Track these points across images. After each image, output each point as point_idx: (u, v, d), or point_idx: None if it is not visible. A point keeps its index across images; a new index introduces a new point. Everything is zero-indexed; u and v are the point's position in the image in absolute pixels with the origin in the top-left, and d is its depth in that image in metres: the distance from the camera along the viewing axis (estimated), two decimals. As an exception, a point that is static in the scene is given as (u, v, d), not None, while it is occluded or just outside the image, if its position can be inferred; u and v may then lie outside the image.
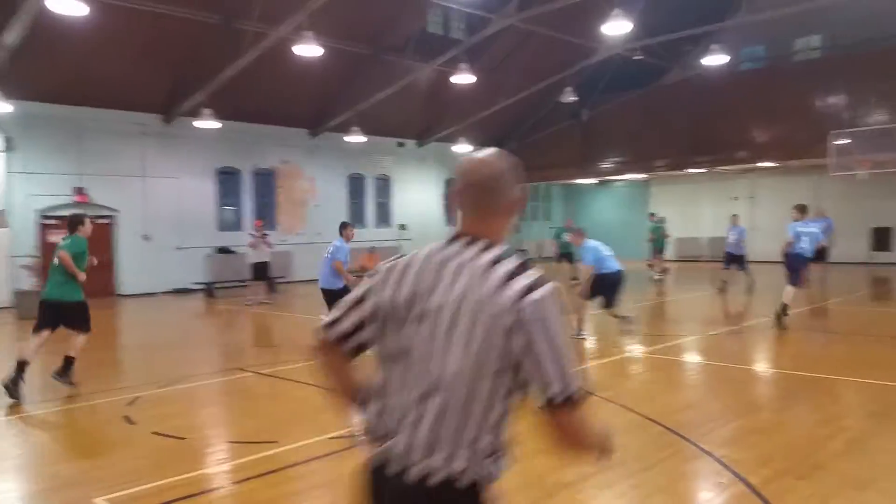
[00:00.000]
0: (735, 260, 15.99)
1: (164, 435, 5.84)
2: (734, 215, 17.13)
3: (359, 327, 1.94)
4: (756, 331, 10.69)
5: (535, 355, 1.71)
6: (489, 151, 1.97)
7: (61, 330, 7.36)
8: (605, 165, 26.20)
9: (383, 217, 24.70)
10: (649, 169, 25.27)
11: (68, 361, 7.33)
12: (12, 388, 6.87)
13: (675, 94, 23.59)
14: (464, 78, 18.66)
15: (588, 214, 29.99)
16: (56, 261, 7.30)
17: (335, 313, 2.00)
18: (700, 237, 26.62)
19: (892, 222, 22.11)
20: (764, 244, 25.30)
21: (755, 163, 22.91)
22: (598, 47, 20.20)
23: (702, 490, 4.44)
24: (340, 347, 1.98)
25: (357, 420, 1.98)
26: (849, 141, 18.85)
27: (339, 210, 22.83)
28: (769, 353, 9.43)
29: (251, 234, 16.12)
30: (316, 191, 22.70)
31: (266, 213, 21.05)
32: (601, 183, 28.98)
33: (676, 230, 27.13)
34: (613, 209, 29.60)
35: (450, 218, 26.82)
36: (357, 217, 23.74)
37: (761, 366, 8.52)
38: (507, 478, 1.86)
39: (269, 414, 6.70)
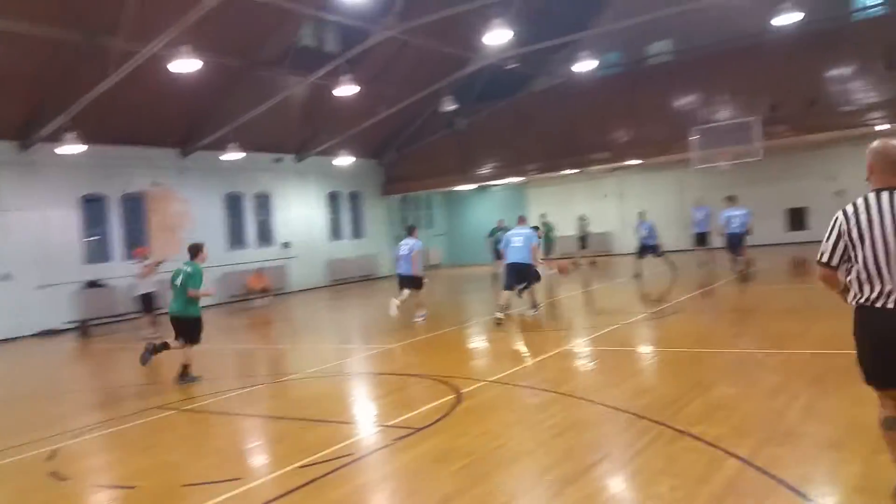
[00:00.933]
0: (650, 249, 18.04)
1: (111, 487, 5.22)
2: (640, 212, 19.39)
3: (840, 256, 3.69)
4: (679, 313, 11.25)
5: None
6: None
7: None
8: (483, 171, 26.75)
9: (265, 236, 23.78)
10: (524, 172, 26.07)
11: (185, 368, 8.98)
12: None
13: (544, 99, 24.58)
14: (346, 90, 18.41)
15: (469, 220, 30.50)
16: (178, 282, 8.95)
17: (824, 251, 3.74)
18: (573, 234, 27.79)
19: (751, 206, 23.98)
20: (635, 238, 26.90)
21: (621, 161, 24.26)
22: (473, 57, 20.62)
23: (700, 466, 4.56)
24: (832, 268, 3.72)
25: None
26: (707, 136, 20.40)
27: (217, 232, 21.76)
28: (696, 333, 9.84)
29: (138, 263, 14.88)
30: (190, 213, 21.45)
31: (137, 241, 19.60)
32: (480, 188, 29.57)
33: (557, 228, 28.23)
34: (493, 213, 30.26)
35: (337, 233, 26.34)
36: (237, 238, 22.73)
37: (696, 345, 8.84)
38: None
39: (216, 451, 6.18)
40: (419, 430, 5.95)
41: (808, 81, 20.10)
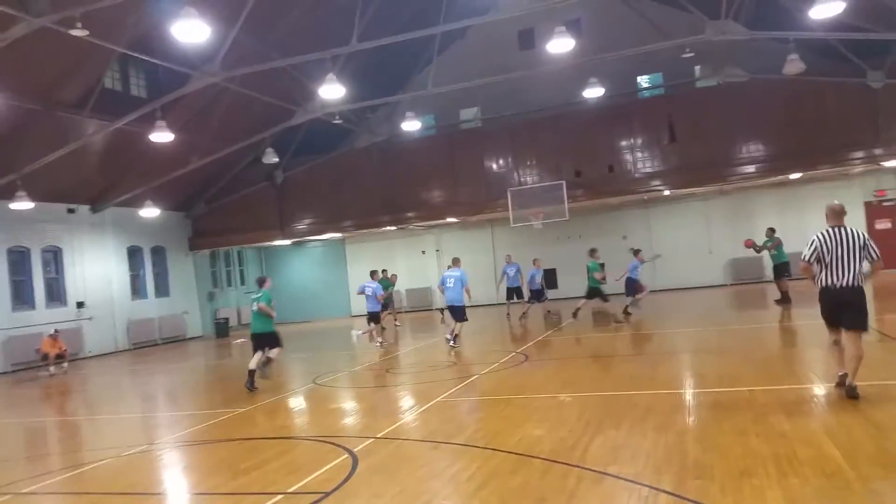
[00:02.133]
0: (515, 292, 20.10)
1: None
2: (508, 255, 21.31)
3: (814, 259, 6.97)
4: (530, 361, 11.58)
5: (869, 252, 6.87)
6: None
7: None
8: (301, 226, 26.21)
9: (55, 295, 21.05)
10: (342, 229, 25.94)
11: (269, 361, 11.45)
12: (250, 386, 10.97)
13: (365, 156, 24.75)
14: (160, 137, 17.14)
15: (285, 276, 29.51)
16: (255, 308, 11.42)
17: (806, 255, 7.03)
18: (397, 289, 28.01)
19: (556, 264, 25.94)
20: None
21: (439, 219, 25.12)
22: (297, 110, 20.30)
23: (640, 502, 4.69)
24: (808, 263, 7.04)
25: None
26: (520, 197, 21.86)
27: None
28: (558, 379, 10.12)
29: None
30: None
31: None
32: (296, 244, 28.83)
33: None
34: (311, 269, 29.67)
35: (139, 291, 24.02)
36: (22, 297, 19.91)
37: (564, 390, 9.04)
38: None
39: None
40: (329, 493, 5.49)
41: (606, 151, 22.44)
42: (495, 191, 23.47)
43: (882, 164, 20.64)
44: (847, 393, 6.89)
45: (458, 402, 8.98)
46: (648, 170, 22.00)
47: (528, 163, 23.19)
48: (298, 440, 7.74)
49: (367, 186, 24.76)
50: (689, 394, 8.22)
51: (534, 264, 20.07)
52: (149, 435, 9.10)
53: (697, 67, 22.82)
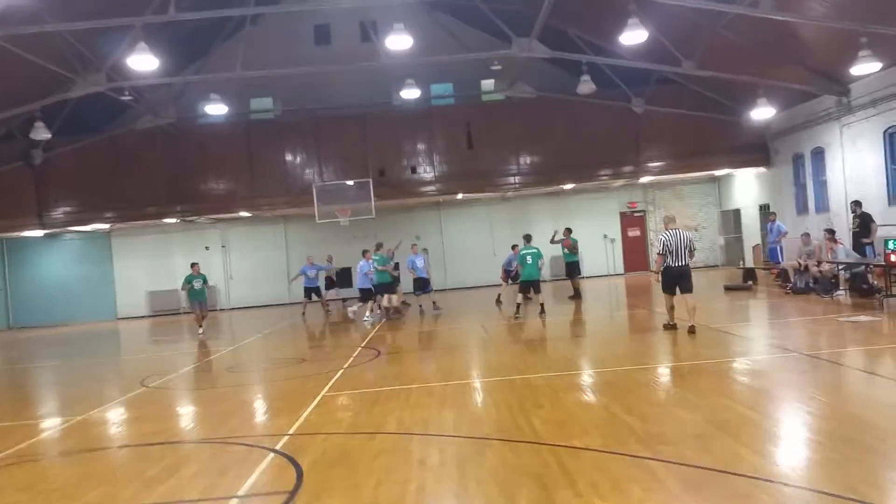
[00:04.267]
0: (421, 285, 18.05)
1: None
2: (413, 244, 19.21)
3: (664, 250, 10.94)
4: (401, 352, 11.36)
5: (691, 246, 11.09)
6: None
7: None
8: (64, 216, 22.92)
9: None
10: (114, 219, 23.19)
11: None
12: None
13: (147, 139, 22.38)
14: None
15: (35, 272, 25.53)
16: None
17: (660, 250, 11.14)
18: (177, 289, 25.73)
19: (352, 262, 25.75)
20: (241, 291, 26.37)
21: (233, 213, 23.66)
22: (76, 80, 17.71)
23: (636, 471, 4.94)
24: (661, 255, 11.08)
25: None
26: (327, 193, 21.46)
27: None
28: (420, 369, 10.06)
29: None
30: None
31: None
32: (49, 236, 25.04)
33: (147, 284, 25.76)
34: (67, 266, 25.95)
35: None
36: None
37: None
38: None
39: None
40: (294, 491, 4.98)
41: (408, 152, 22.97)
42: (296, 185, 22.77)
43: (641, 179, 23.87)
44: (689, 330, 10.69)
45: (347, 395, 8.60)
46: (447, 173, 22.93)
47: (332, 159, 22.83)
48: (198, 443, 6.84)
49: (148, 174, 22.48)
50: (586, 374, 8.81)
51: (412, 250, 18.70)
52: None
53: (491, 81, 24.38)
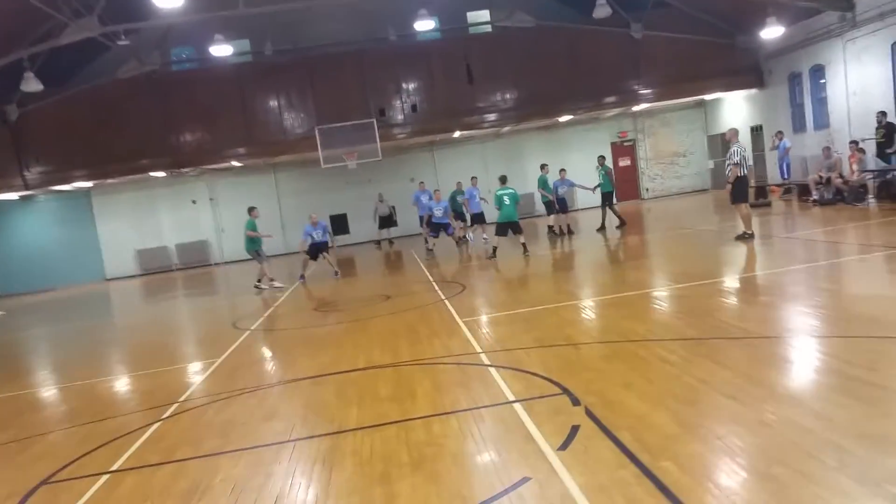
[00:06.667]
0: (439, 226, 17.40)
1: None
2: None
3: None
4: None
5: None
6: None
7: None
8: (40, 176, 21.49)
9: None
10: (103, 175, 21.91)
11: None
12: None
13: (130, 89, 20.98)
14: None
15: (12, 236, 24.00)
16: None
17: None
18: (167, 246, 24.80)
19: (347, 209, 25.32)
20: (233, 244, 25.47)
21: (226, 162, 22.72)
22: (69, 23, 16.35)
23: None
24: None
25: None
26: (329, 136, 20.76)
27: None
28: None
29: None
30: None
31: None
32: (24, 198, 23.50)
33: (134, 242, 24.76)
34: (49, 227, 24.49)
35: None
36: None
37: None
38: None
39: None
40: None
41: (408, 90, 22.42)
42: (294, 130, 21.99)
43: (638, 107, 24.08)
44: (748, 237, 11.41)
45: (492, 318, 8.50)
46: (450, 110, 22.46)
47: (329, 101, 21.98)
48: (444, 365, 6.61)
49: (135, 125, 21.18)
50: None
51: (472, 182, 18.82)
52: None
53: (480, 13, 23.89)
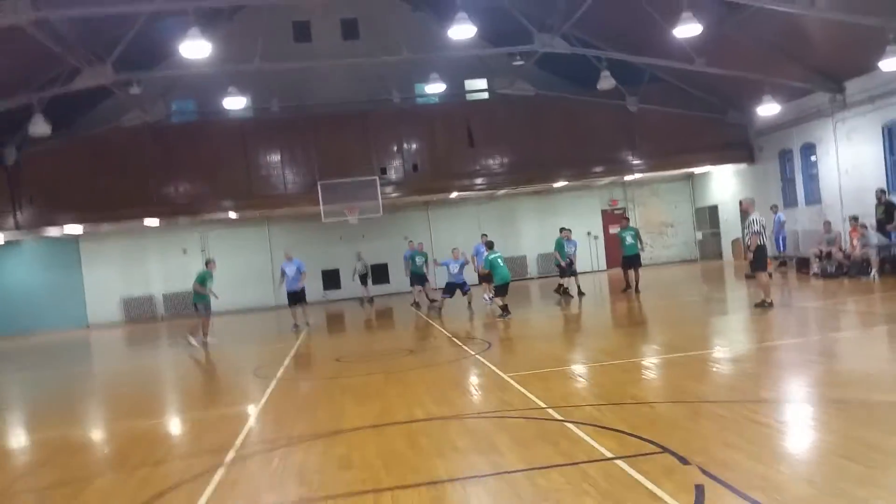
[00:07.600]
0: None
1: None
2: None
3: None
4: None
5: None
6: None
7: None
8: (33, 219, 20.97)
9: None
10: (97, 219, 21.47)
11: None
12: None
13: (132, 137, 20.76)
14: None
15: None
16: None
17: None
18: (153, 294, 24.26)
19: (339, 264, 25.10)
20: (223, 296, 24.89)
21: (223, 213, 22.50)
22: (81, 67, 16.25)
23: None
24: None
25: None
26: (330, 191, 20.72)
27: None
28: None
29: None
30: None
31: None
32: (10, 242, 22.84)
33: (120, 290, 24.25)
34: (32, 271, 23.81)
35: None
36: None
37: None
38: None
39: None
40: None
41: (410, 150, 22.69)
42: (295, 184, 21.96)
43: (630, 176, 24.65)
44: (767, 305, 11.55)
45: (531, 375, 8.36)
46: (450, 171, 22.70)
47: (331, 158, 22.05)
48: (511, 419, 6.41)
49: (135, 173, 20.97)
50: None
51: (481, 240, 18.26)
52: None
53: (478, 81, 24.52)
